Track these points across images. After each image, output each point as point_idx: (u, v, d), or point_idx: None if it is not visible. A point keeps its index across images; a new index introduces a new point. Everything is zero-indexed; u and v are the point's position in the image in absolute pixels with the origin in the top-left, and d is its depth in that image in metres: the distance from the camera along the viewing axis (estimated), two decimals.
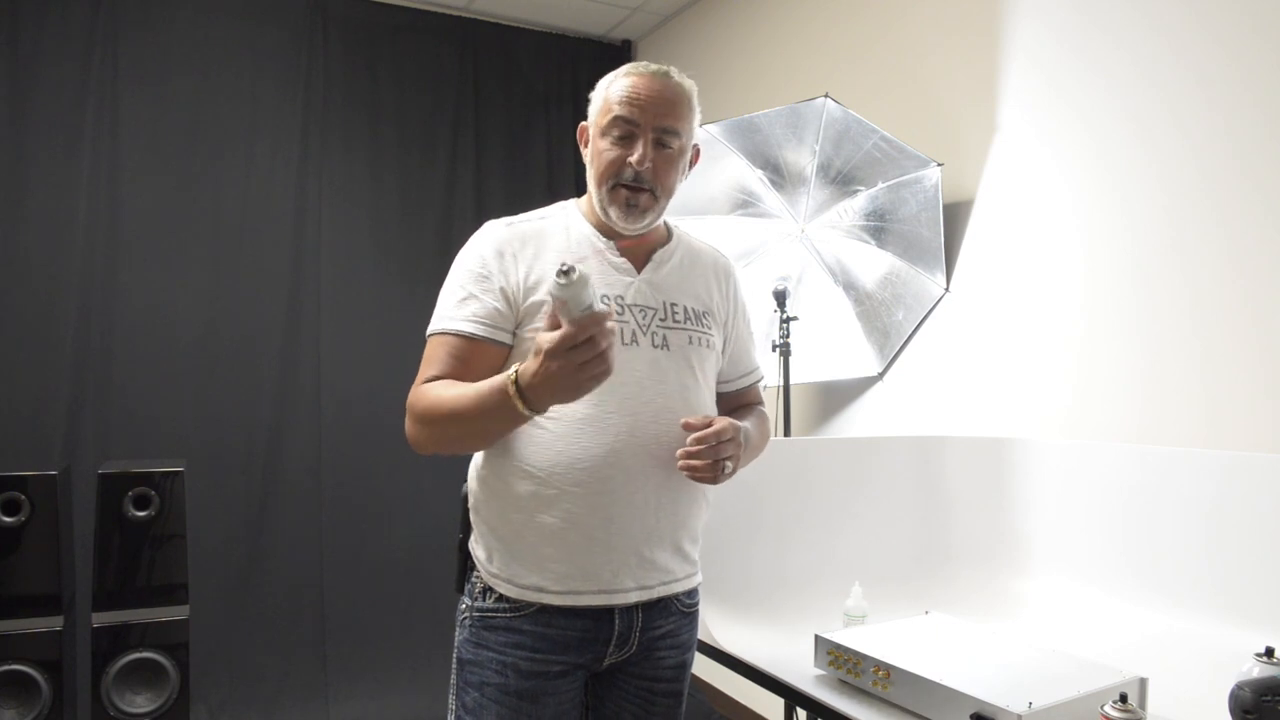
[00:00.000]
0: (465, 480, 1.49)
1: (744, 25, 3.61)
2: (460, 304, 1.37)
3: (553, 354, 1.14)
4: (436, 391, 1.32)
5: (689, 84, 1.44)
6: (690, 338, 1.46)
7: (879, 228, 2.68)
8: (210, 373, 3.54)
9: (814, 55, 3.24)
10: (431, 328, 1.40)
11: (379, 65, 3.89)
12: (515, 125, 4.17)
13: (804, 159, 2.66)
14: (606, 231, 1.44)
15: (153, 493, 2.74)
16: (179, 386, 3.49)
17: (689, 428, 1.36)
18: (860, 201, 2.67)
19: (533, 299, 1.37)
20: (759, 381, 1.68)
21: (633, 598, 1.39)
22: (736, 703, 3.44)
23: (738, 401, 1.64)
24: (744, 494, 1.85)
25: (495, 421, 1.28)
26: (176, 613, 2.75)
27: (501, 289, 1.37)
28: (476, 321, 1.35)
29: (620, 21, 4.17)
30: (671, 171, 1.42)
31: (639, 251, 1.46)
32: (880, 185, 2.62)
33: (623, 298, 1.41)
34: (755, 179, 2.74)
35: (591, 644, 1.39)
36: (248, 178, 3.64)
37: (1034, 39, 2.41)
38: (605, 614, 1.38)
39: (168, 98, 3.51)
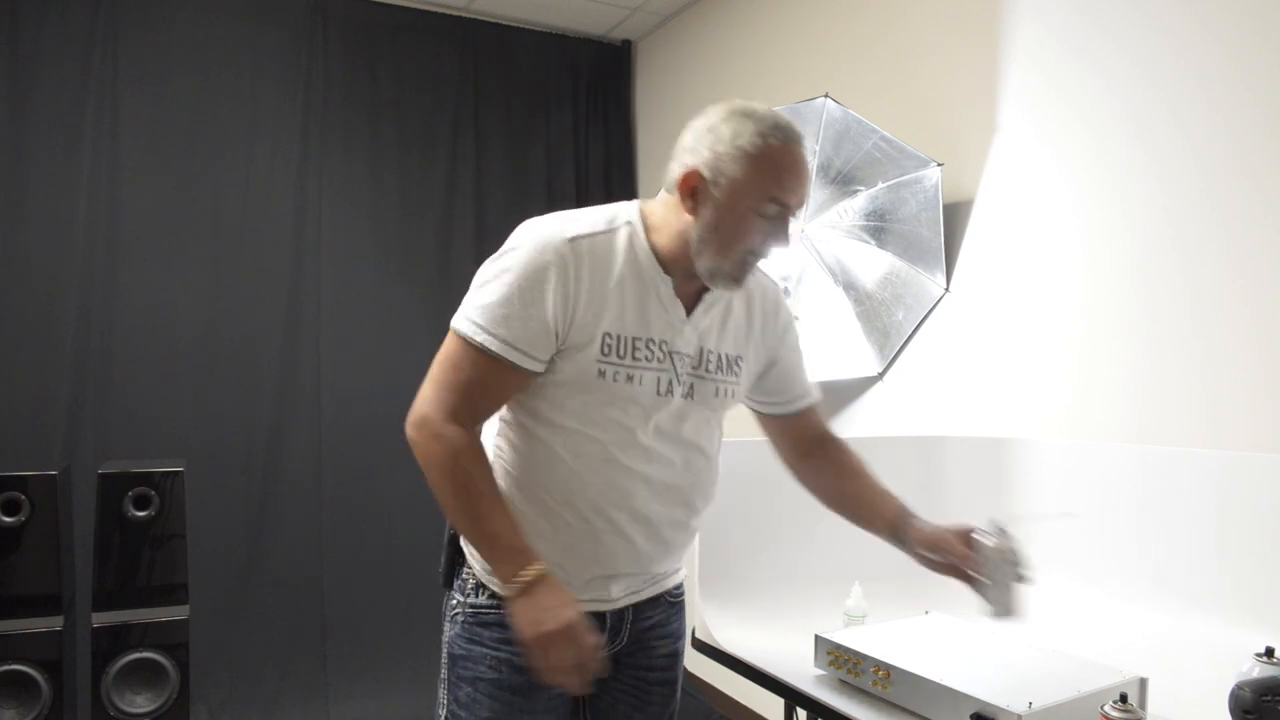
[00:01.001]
0: None
1: (744, 25, 3.61)
2: (503, 319, 1.26)
3: (552, 645, 1.23)
4: (473, 468, 1.28)
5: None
6: (717, 389, 1.41)
7: (879, 228, 2.68)
8: (210, 373, 3.54)
9: (814, 55, 3.24)
10: (463, 327, 1.29)
11: (379, 65, 3.89)
12: (515, 125, 4.16)
13: None
14: (669, 266, 1.33)
15: (153, 493, 2.74)
16: (179, 386, 3.49)
17: None
18: (860, 201, 2.67)
19: (580, 335, 1.28)
20: (816, 404, 1.59)
21: (621, 603, 1.44)
22: (736, 703, 3.44)
23: (802, 430, 1.58)
24: (744, 494, 1.85)
25: (482, 550, 1.31)
26: (176, 613, 2.75)
27: (552, 315, 1.27)
28: (515, 349, 1.27)
29: (620, 21, 4.17)
30: None
31: (691, 288, 1.37)
32: (880, 185, 2.62)
33: (667, 343, 1.34)
34: None
35: None
36: (248, 178, 3.64)
37: (1034, 39, 2.41)
38: (596, 615, 1.40)
39: (168, 97, 3.50)
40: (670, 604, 1.53)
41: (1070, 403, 2.28)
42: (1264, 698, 1.18)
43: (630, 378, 1.31)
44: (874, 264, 2.72)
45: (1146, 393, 2.11)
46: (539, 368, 1.30)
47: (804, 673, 1.57)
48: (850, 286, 2.77)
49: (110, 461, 3.04)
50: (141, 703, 2.69)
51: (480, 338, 1.27)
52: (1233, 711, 1.21)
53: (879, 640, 1.53)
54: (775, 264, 2.78)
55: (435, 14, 4.00)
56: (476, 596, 1.40)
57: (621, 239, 1.33)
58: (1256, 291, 1.90)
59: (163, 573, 2.75)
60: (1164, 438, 2.05)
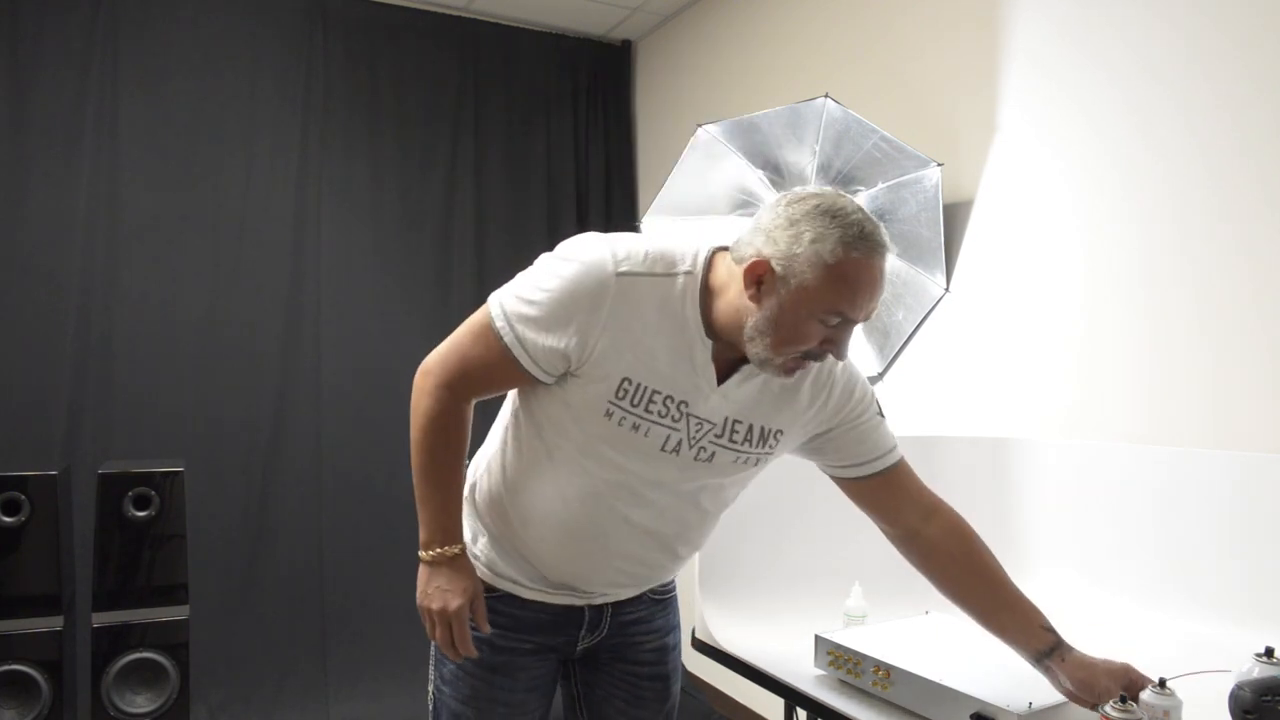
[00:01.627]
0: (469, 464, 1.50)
1: (744, 25, 3.61)
2: (530, 322, 1.25)
3: (432, 610, 1.36)
4: (451, 438, 1.34)
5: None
6: (742, 458, 1.35)
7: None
8: (210, 373, 3.54)
9: (814, 55, 3.24)
10: (494, 306, 1.29)
11: (379, 65, 3.89)
12: (515, 124, 4.16)
13: (804, 159, 2.65)
14: (713, 332, 1.28)
15: (153, 493, 2.74)
16: (179, 387, 3.48)
17: None
18: (860, 201, 2.67)
19: (596, 369, 1.26)
20: (900, 460, 1.44)
21: (599, 601, 1.47)
22: (736, 703, 3.44)
23: (887, 493, 1.43)
24: (744, 494, 1.85)
25: (420, 509, 1.38)
26: (176, 613, 2.75)
27: (578, 345, 1.24)
28: (525, 353, 1.26)
29: (620, 21, 4.17)
30: None
31: (730, 358, 1.30)
32: (880, 185, 2.62)
33: (686, 405, 1.29)
34: (755, 179, 2.74)
35: (564, 627, 1.45)
36: (247, 177, 3.64)
37: (1034, 37, 2.41)
38: (573, 608, 1.45)
39: (168, 98, 3.50)
40: (654, 601, 1.54)
41: (1071, 403, 2.28)
42: (1264, 698, 1.18)
43: (636, 427, 1.28)
44: None
45: (1147, 393, 2.11)
46: (546, 379, 1.30)
47: (804, 673, 1.57)
48: None
49: (110, 461, 3.04)
50: (141, 703, 2.68)
51: (500, 324, 1.28)
52: (1232, 712, 1.21)
53: (879, 640, 1.53)
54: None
55: (435, 14, 4.00)
56: None
57: (676, 287, 1.27)
58: (1263, 289, 1.90)
59: (163, 573, 2.75)
60: (1166, 438, 2.04)
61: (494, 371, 1.30)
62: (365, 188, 3.85)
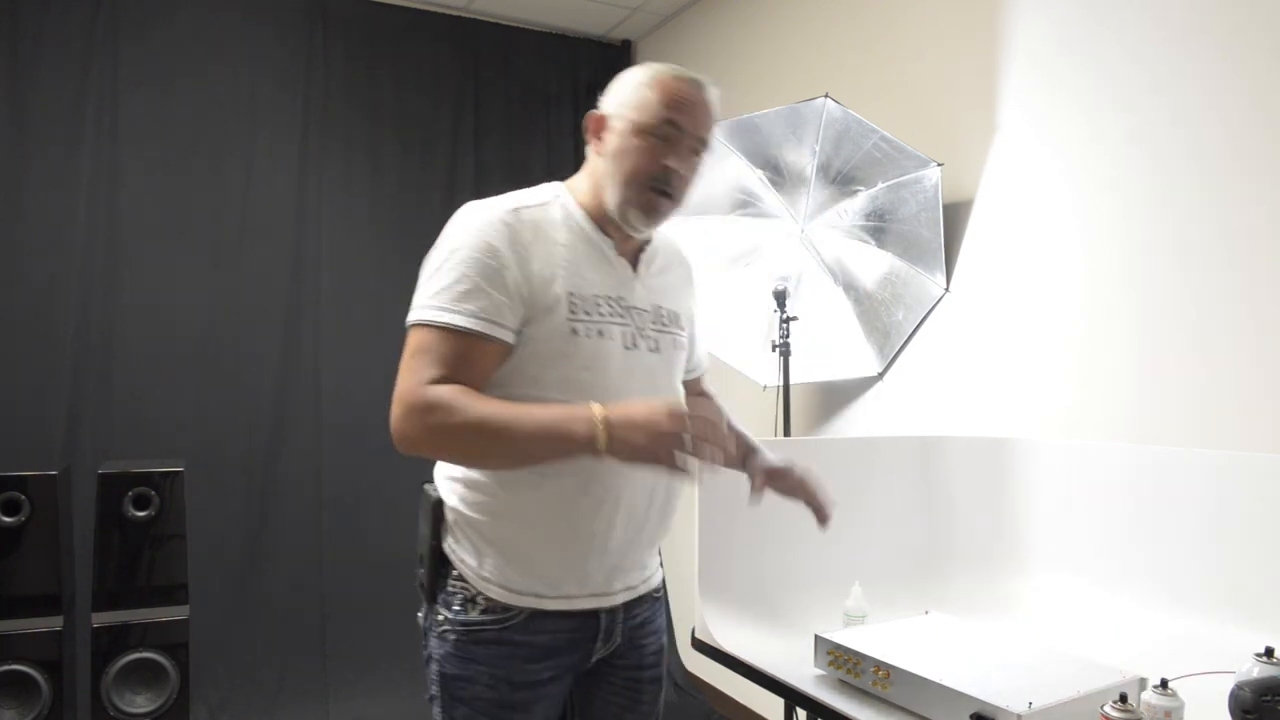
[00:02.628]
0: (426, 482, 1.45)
1: (744, 25, 3.61)
2: (463, 296, 1.27)
3: (679, 421, 1.18)
4: (474, 403, 1.23)
5: (717, 98, 1.43)
6: (675, 341, 1.48)
7: (879, 228, 2.68)
8: (210, 373, 3.54)
9: (814, 55, 3.24)
10: (423, 317, 1.28)
11: (379, 65, 3.89)
12: (515, 124, 4.16)
13: (804, 159, 2.65)
14: (604, 227, 1.40)
15: (152, 493, 2.74)
16: (179, 387, 3.49)
17: None
18: (860, 201, 2.67)
19: (544, 296, 1.30)
20: (704, 374, 1.71)
21: (619, 599, 1.44)
22: (736, 703, 3.44)
23: (692, 392, 1.66)
24: (743, 494, 1.85)
25: (549, 449, 1.25)
26: (176, 613, 2.75)
27: (515, 283, 1.29)
28: (484, 319, 1.27)
29: (620, 21, 4.17)
30: (695, 181, 1.42)
31: (629, 248, 1.44)
32: (880, 185, 2.62)
33: (624, 299, 1.39)
34: (755, 179, 2.74)
35: (580, 643, 1.41)
36: (247, 177, 3.64)
37: (1034, 38, 2.41)
38: (592, 614, 1.41)
39: (168, 97, 3.50)
40: (654, 600, 1.55)
41: (1070, 402, 2.28)
42: (1264, 697, 1.18)
43: (601, 333, 1.35)
44: (874, 264, 2.72)
45: (1146, 392, 2.11)
46: (509, 337, 1.29)
47: (804, 673, 1.57)
48: (850, 286, 2.77)
49: (110, 461, 3.04)
50: (141, 703, 2.69)
51: (444, 318, 1.27)
52: (1232, 711, 1.21)
53: (879, 640, 1.53)
54: (775, 264, 2.79)
55: (435, 14, 4.00)
56: (468, 612, 1.36)
57: (557, 210, 1.39)
58: (1255, 291, 1.90)
59: (162, 573, 2.75)
60: (1163, 437, 2.05)
61: (468, 360, 1.27)
62: (365, 187, 3.86)
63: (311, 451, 3.69)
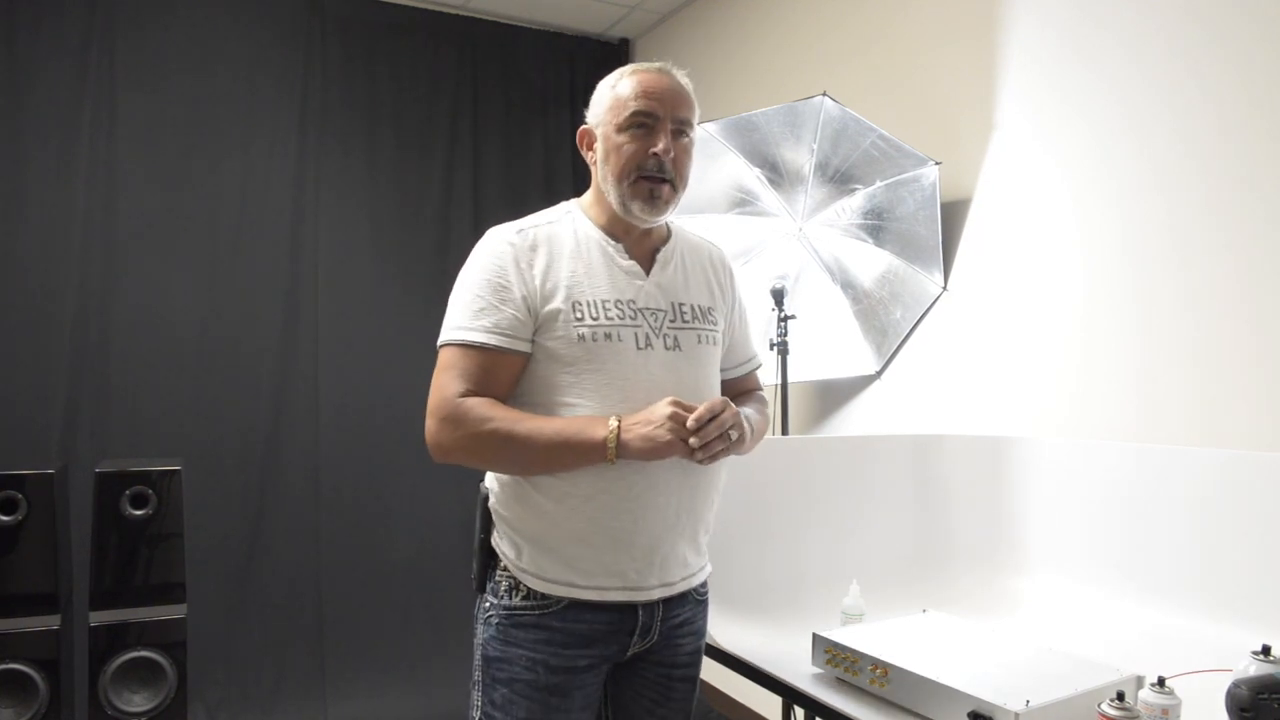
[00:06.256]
0: (481, 479, 1.51)
1: (742, 23, 3.61)
2: (478, 314, 1.38)
3: (678, 424, 1.30)
4: (501, 413, 1.34)
5: (688, 80, 1.48)
6: (699, 336, 1.49)
7: (877, 226, 2.68)
8: (208, 371, 3.54)
9: (812, 53, 3.24)
10: (447, 337, 1.40)
11: (376, 63, 3.89)
12: (513, 122, 4.16)
13: (802, 157, 2.65)
14: (614, 233, 1.46)
15: (150, 491, 2.73)
16: (176, 385, 3.48)
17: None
18: (858, 200, 2.67)
19: (550, 306, 1.38)
20: (757, 369, 1.71)
21: (656, 594, 1.45)
22: (735, 701, 3.44)
23: (737, 389, 1.66)
24: (742, 493, 1.86)
25: (567, 457, 1.34)
26: (174, 611, 2.74)
27: (522, 298, 1.38)
28: (498, 334, 1.37)
29: (618, 20, 4.17)
30: (688, 162, 1.47)
31: (643, 252, 1.49)
32: (878, 184, 2.62)
33: (634, 302, 1.43)
34: (753, 177, 2.74)
35: (617, 635, 1.44)
36: (245, 176, 3.63)
37: (1032, 37, 2.41)
38: (629, 607, 1.43)
39: (164, 96, 3.49)
40: (697, 601, 1.56)
41: (1068, 401, 2.28)
42: (1260, 695, 1.18)
43: (609, 335, 1.39)
44: (872, 262, 2.72)
45: (1144, 391, 2.11)
46: (525, 347, 1.39)
47: (802, 671, 1.57)
48: (848, 285, 2.77)
49: (107, 460, 3.03)
50: (139, 702, 2.68)
51: (463, 336, 1.38)
52: (1229, 709, 1.21)
53: (877, 639, 1.53)
54: (773, 262, 2.79)
55: (433, 12, 4.00)
56: (511, 598, 1.43)
57: (566, 225, 1.47)
58: (1253, 290, 1.90)
59: (160, 572, 2.74)
60: (1161, 436, 2.05)
61: (489, 373, 1.38)
62: (362, 185, 3.85)
63: (309, 450, 3.68)
